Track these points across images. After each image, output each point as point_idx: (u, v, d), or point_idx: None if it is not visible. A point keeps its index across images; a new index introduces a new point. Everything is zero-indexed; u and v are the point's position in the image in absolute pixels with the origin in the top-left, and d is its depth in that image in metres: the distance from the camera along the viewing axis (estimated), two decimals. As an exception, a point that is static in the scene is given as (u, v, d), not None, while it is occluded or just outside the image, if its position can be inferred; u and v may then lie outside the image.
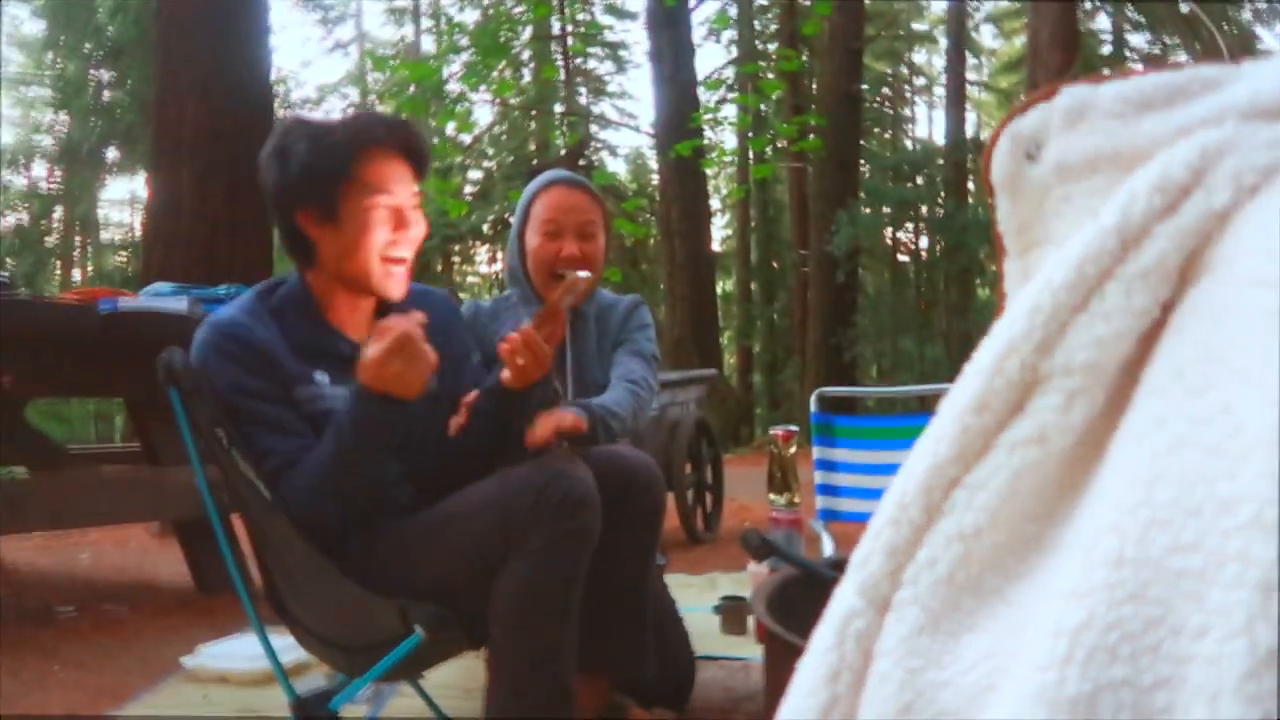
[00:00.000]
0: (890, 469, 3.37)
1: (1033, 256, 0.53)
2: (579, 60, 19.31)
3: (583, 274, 1.84)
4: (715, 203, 21.30)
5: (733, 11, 18.48)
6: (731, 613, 2.84)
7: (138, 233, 18.26)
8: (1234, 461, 0.36)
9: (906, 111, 25.89)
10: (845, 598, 0.47)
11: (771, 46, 18.95)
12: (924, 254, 20.12)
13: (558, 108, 15.53)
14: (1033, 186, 0.52)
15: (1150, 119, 0.48)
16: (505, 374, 1.71)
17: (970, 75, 23.13)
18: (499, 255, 18.66)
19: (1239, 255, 0.41)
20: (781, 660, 1.10)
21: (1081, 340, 0.44)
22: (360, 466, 1.58)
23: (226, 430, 1.61)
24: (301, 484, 1.58)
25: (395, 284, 1.71)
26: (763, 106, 14.64)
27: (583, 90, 20.86)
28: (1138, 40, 17.57)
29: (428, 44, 20.89)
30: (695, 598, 3.24)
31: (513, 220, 2.30)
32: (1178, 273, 0.44)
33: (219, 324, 1.67)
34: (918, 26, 23.30)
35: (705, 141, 11.84)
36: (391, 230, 1.68)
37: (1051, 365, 0.44)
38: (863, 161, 15.48)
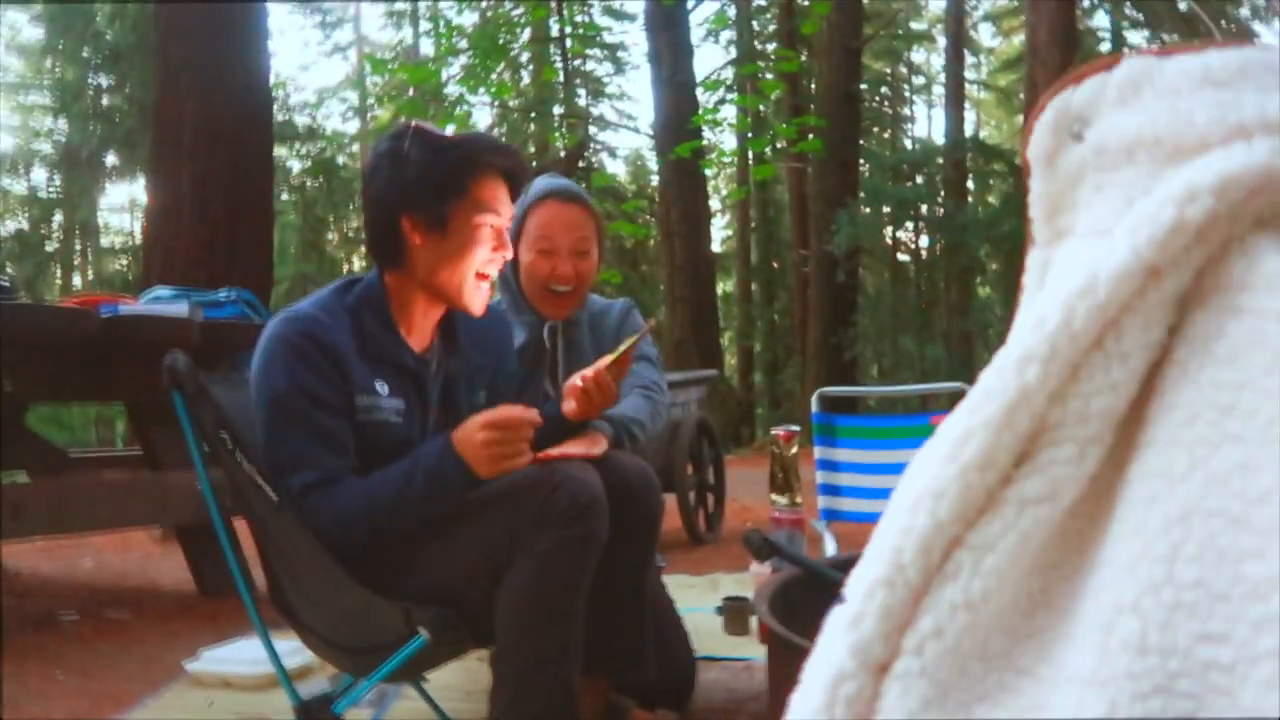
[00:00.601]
0: (892, 468, 3.38)
1: (1058, 250, 0.48)
2: (578, 62, 19.30)
3: (649, 323, 2.02)
4: (715, 204, 21.31)
5: (731, 12, 18.47)
6: (734, 613, 2.84)
7: (138, 237, 18.27)
8: (1261, 537, 0.33)
9: (906, 111, 25.89)
10: (836, 657, 0.43)
11: (770, 47, 18.95)
12: (924, 253, 20.11)
13: (557, 109, 15.51)
14: (1069, 168, 0.47)
15: (1205, 103, 0.43)
16: (570, 406, 1.84)
17: (969, 74, 23.15)
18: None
19: (1254, 284, 0.38)
20: (784, 661, 1.10)
21: (1097, 385, 0.40)
22: (415, 513, 1.60)
23: (232, 433, 1.61)
24: (345, 506, 1.58)
25: (481, 299, 1.77)
26: (762, 107, 14.65)
27: (582, 92, 20.86)
28: (1136, 38, 17.56)
29: (426, 47, 20.90)
30: (697, 598, 3.23)
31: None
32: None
33: (298, 320, 1.66)
34: (916, 26, 23.29)
35: (705, 143, 11.86)
36: (491, 249, 1.74)
37: (1064, 413, 0.40)
38: (862, 161, 15.47)
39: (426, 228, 1.69)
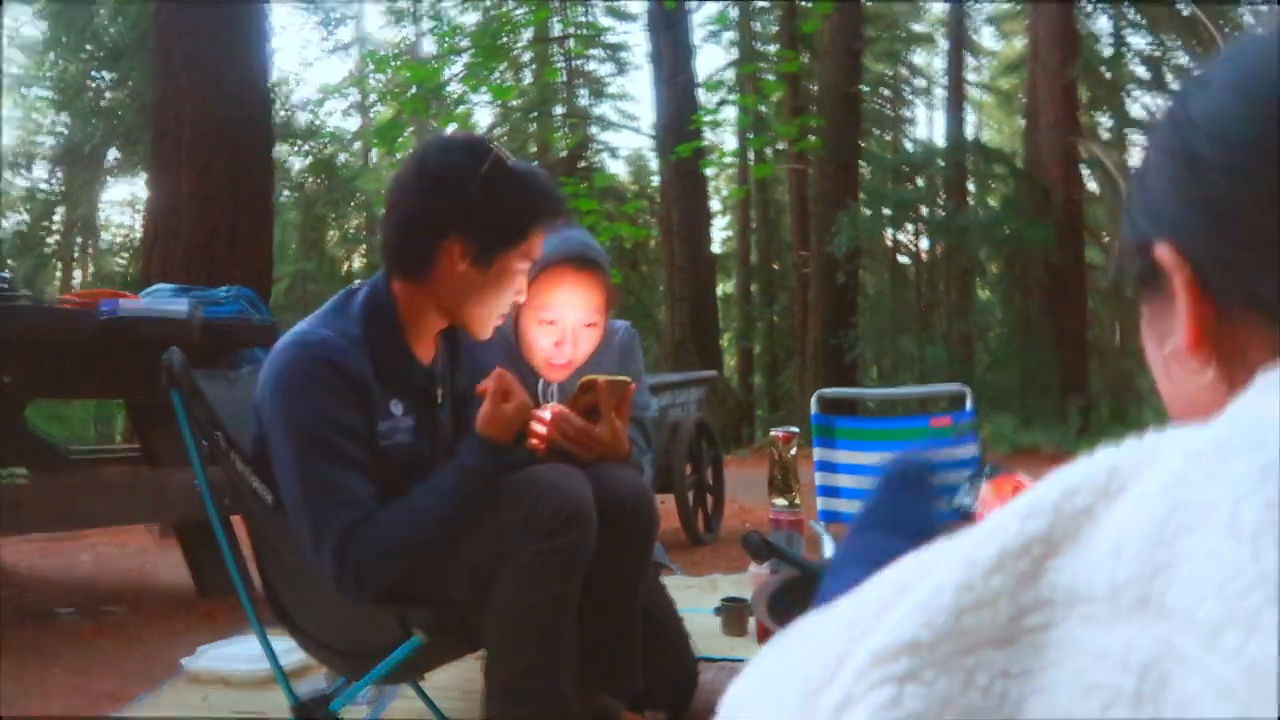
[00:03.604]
0: (891, 470, 3.29)
1: None
2: (579, 62, 19.31)
3: (626, 380, 1.88)
4: (715, 204, 21.30)
5: (732, 13, 18.47)
6: (732, 614, 2.84)
7: (138, 234, 18.26)
8: None
9: (906, 112, 25.88)
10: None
11: (771, 48, 18.94)
12: (924, 255, 20.10)
13: (558, 109, 15.52)
14: None
15: None
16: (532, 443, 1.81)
17: (970, 76, 23.13)
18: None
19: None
20: (782, 662, 1.09)
21: None
22: (450, 525, 1.57)
23: (225, 433, 1.61)
24: (388, 539, 1.53)
25: (490, 332, 1.75)
26: (762, 108, 14.65)
27: (583, 92, 20.86)
28: (1137, 40, 17.58)
29: (428, 46, 20.91)
30: (696, 599, 3.23)
31: None
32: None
33: (315, 345, 1.58)
34: (917, 27, 23.29)
35: (705, 143, 11.84)
36: (516, 293, 1.72)
37: None
38: (863, 162, 15.46)
39: (473, 258, 1.63)
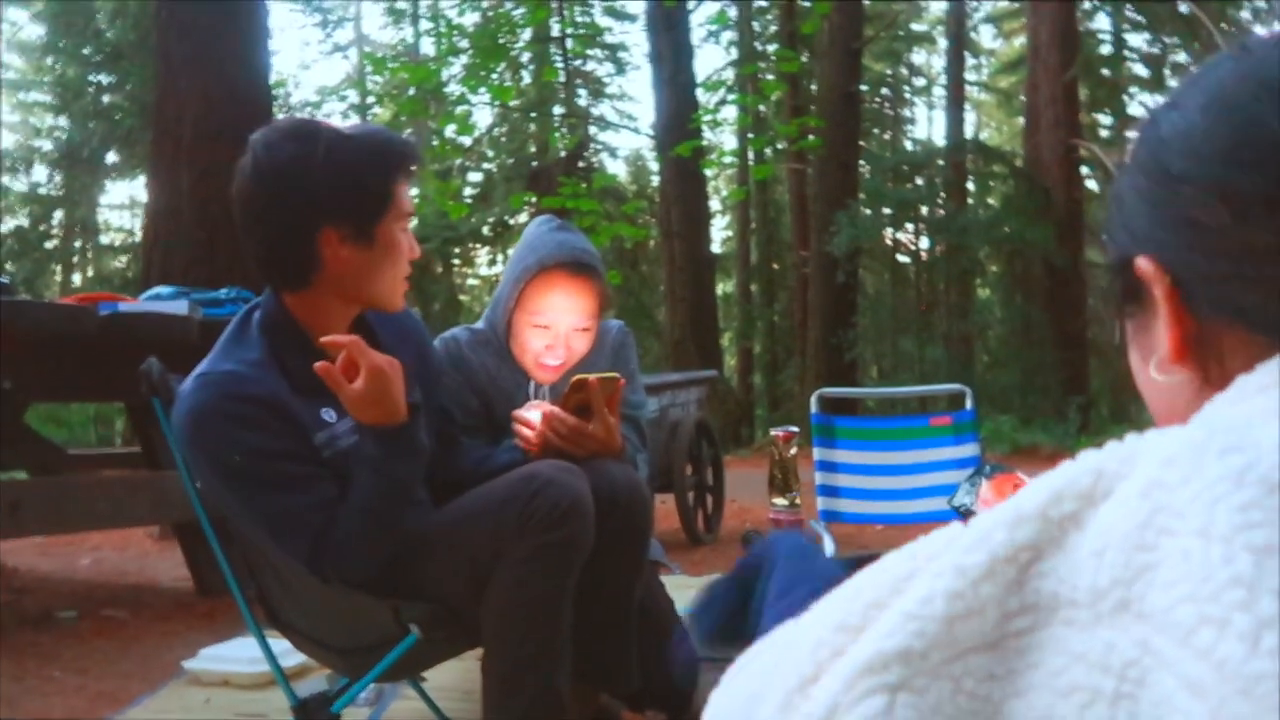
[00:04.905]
0: (891, 469, 3.38)
1: None
2: (578, 62, 19.29)
3: (616, 376, 1.85)
4: (715, 204, 21.29)
5: (732, 12, 18.46)
6: (732, 614, 2.83)
7: (138, 236, 18.26)
8: None
9: (906, 112, 25.87)
10: None
11: (771, 47, 18.93)
12: (924, 255, 20.10)
13: (557, 110, 15.52)
14: None
15: None
16: (524, 444, 1.81)
17: (970, 75, 23.13)
18: (499, 258, 18.66)
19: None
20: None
21: None
22: (398, 499, 1.55)
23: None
24: (349, 543, 1.52)
25: (401, 297, 1.70)
26: (762, 107, 14.65)
27: (582, 92, 20.84)
28: (1137, 40, 17.58)
29: (427, 46, 20.89)
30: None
31: (505, 271, 2.09)
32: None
33: (216, 382, 1.53)
34: (917, 27, 23.27)
35: (705, 143, 11.85)
36: (408, 252, 1.65)
37: None
38: (862, 162, 15.45)
39: (354, 239, 1.56)
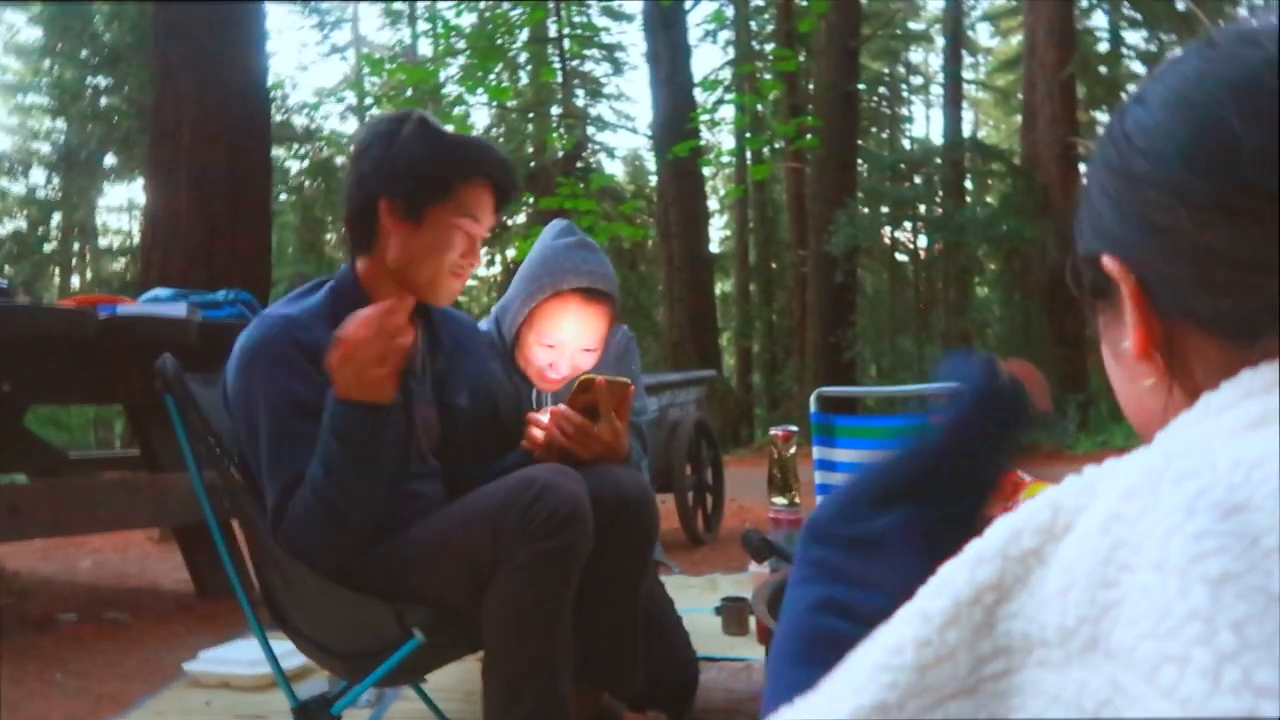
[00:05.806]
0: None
1: None
2: (576, 62, 19.29)
3: (626, 381, 1.83)
4: (713, 203, 21.33)
5: (729, 12, 18.46)
6: (732, 613, 2.84)
7: (136, 238, 18.26)
8: None
9: (904, 111, 25.89)
10: None
11: (768, 47, 18.94)
12: (922, 253, 20.12)
13: (555, 110, 15.52)
14: None
15: None
16: (532, 445, 1.81)
17: (967, 74, 23.12)
18: (498, 258, 18.65)
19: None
20: (783, 661, 1.09)
21: None
22: (353, 482, 1.53)
23: (219, 439, 1.61)
24: (298, 510, 1.54)
25: (448, 296, 1.74)
26: (760, 107, 14.64)
27: (580, 92, 20.85)
28: (1134, 37, 17.60)
29: (424, 47, 20.88)
30: (696, 599, 3.24)
31: (517, 281, 2.08)
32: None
33: (276, 323, 1.61)
34: (914, 25, 23.28)
35: (703, 142, 11.84)
36: (460, 255, 1.69)
37: None
38: (860, 161, 15.47)
39: (403, 215, 1.66)
